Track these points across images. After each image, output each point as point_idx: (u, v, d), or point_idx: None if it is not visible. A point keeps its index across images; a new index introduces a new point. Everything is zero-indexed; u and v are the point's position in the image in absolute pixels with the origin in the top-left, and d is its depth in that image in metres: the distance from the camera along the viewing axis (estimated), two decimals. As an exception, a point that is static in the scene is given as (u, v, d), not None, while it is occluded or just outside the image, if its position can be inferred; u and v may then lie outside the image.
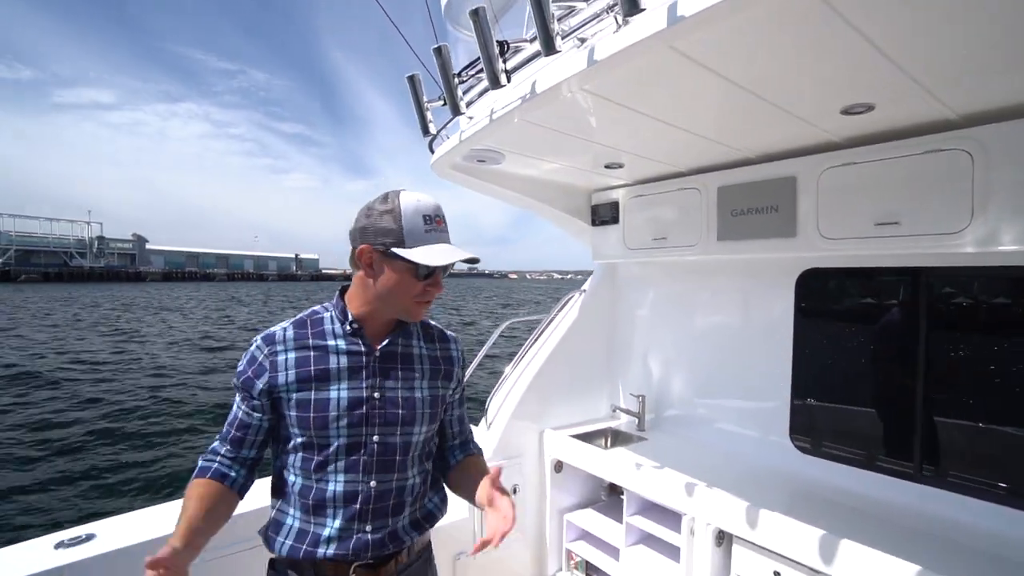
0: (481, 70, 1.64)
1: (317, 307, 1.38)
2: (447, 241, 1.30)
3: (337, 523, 1.29)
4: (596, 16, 1.37)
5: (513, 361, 3.24)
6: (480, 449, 1.63)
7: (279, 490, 1.35)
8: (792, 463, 2.50)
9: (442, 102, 1.90)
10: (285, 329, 1.31)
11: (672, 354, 3.12)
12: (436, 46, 1.74)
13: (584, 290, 3.40)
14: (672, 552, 2.37)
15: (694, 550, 2.25)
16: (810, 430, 2.48)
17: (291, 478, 1.31)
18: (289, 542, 1.30)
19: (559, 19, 1.38)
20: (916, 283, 2.14)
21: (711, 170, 2.54)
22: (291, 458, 1.30)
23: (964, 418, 2.05)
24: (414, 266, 1.26)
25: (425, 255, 1.23)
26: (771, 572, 2.01)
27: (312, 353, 1.29)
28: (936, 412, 2.10)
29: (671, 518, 2.38)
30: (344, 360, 1.30)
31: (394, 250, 1.24)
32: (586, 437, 2.99)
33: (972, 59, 1.36)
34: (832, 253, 2.16)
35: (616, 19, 1.30)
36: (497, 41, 1.54)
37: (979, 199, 1.74)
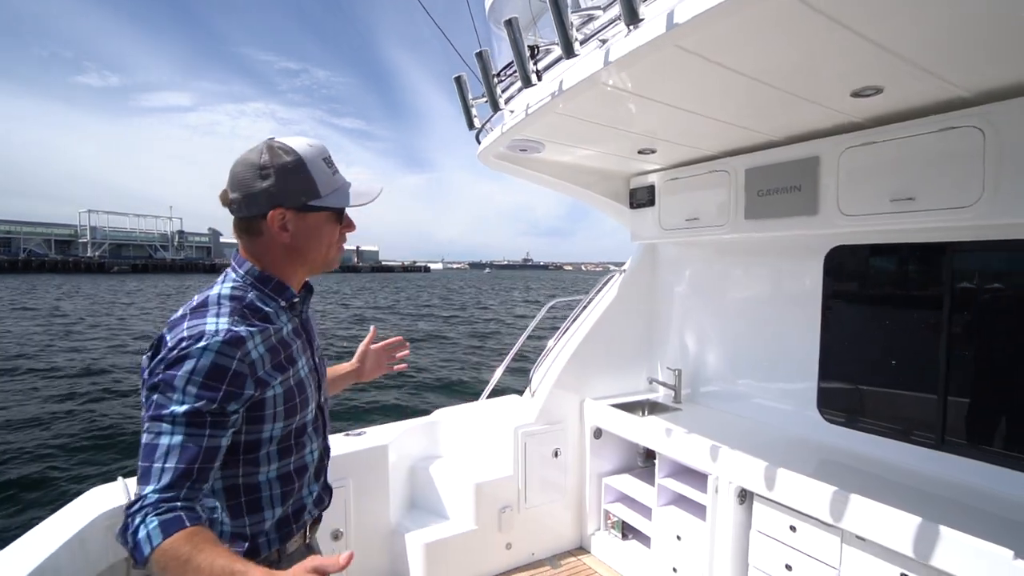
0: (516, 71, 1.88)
1: (221, 292, 1.16)
2: (351, 183, 1.26)
3: (314, 488, 1.32)
4: (612, 21, 1.58)
5: (556, 335, 3.48)
6: None
7: (248, 504, 1.17)
8: (819, 433, 2.62)
9: (485, 99, 2.16)
10: (235, 325, 1.10)
11: (707, 329, 3.27)
12: (478, 51, 1.99)
13: (624, 270, 3.58)
14: (699, 511, 2.56)
15: (718, 508, 2.43)
16: (837, 401, 2.59)
17: (263, 477, 1.18)
18: (273, 536, 1.23)
19: (579, 27, 1.60)
20: (941, 258, 2.22)
21: (739, 153, 2.67)
22: (263, 457, 1.17)
23: (988, 388, 2.13)
24: (335, 212, 1.22)
25: (352, 197, 1.22)
26: (788, 527, 2.17)
27: (275, 341, 1.18)
28: (960, 382, 2.18)
29: (699, 479, 2.56)
30: (295, 337, 1.25)
31: (313, 203, 1.17)
32: (624, 407, 3.19)
33: (972, 41, 1.45)
34: (852, 229, 2.27)
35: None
36: (528, 46, 1.77)
37: (990, 174, 1.83)
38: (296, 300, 1.25)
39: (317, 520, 1.38)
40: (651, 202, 3.20)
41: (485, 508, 2.95)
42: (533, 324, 3.82)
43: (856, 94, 1.85)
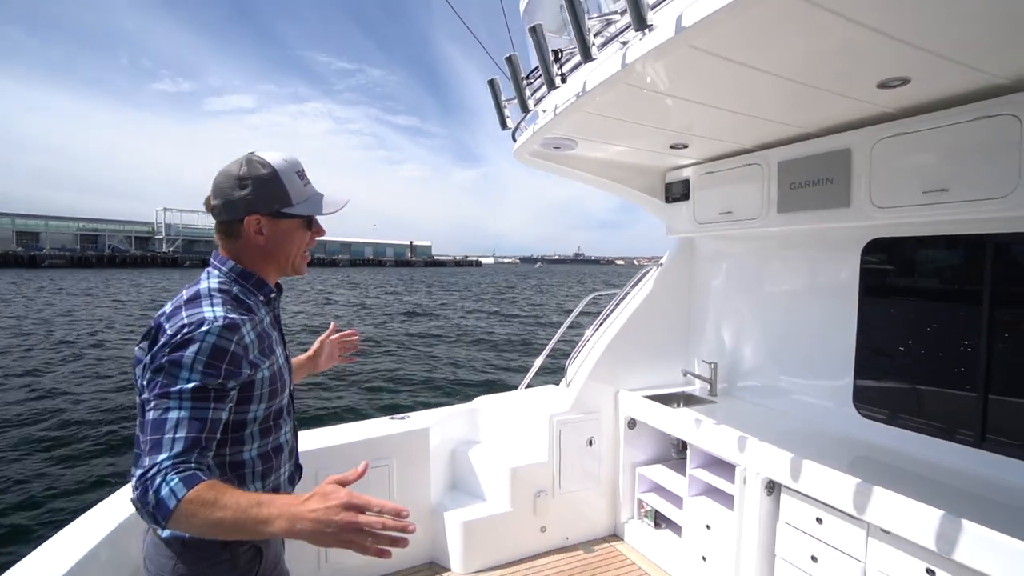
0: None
1: (210, 286, 1.28)
2: (318, 191, 1.39)
3: (288, 467, 1.43)
4: (629, 26, 1.66)
5: (592, 326, 3.56)
6: None
7: (235, 479, 1.28)
8: (854, 428, 2.59)
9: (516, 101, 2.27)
10: (230, 313, 1.22)
11: (742, 323, 3.27)
12: (507, 55, 2.11)
13: (661, 264, 3.62)
14: (729, 501, 2.59)
15: (745, 498, 2.46)
16: (873, 396, 2.55)
17: (247, 455, 1.29)
18: None
19: (599, 31, 1.68)
20: (980, 251, 2.17)
21: (772, 146, 2.67)
22: (247, 435, 1.28)
23: None
24: (305, 220, 1.36)
25: (322, 206, 1.36)
26: (814, 518, 2.19)
27: (260, 329, 1.30)
28: (1001, 378, 2.13)
29: (729, 470, 2.60)
30: (272, 328, 1.38)
31: (285, 211, 1.31)
32: (659, 399, 3.24)
33: (1009, 29, 1.42)
34: (885, 222, 2.25)
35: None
36: (554, 50, 1.87)
37: None
38: (273, 296, 1.39)
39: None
40: (686, 196, 3.22)
41: (520, 492, 3.08)
42: (572, 316, 3.91)
43: (883, 85, 1.84)
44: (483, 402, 3.53)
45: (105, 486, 5.66)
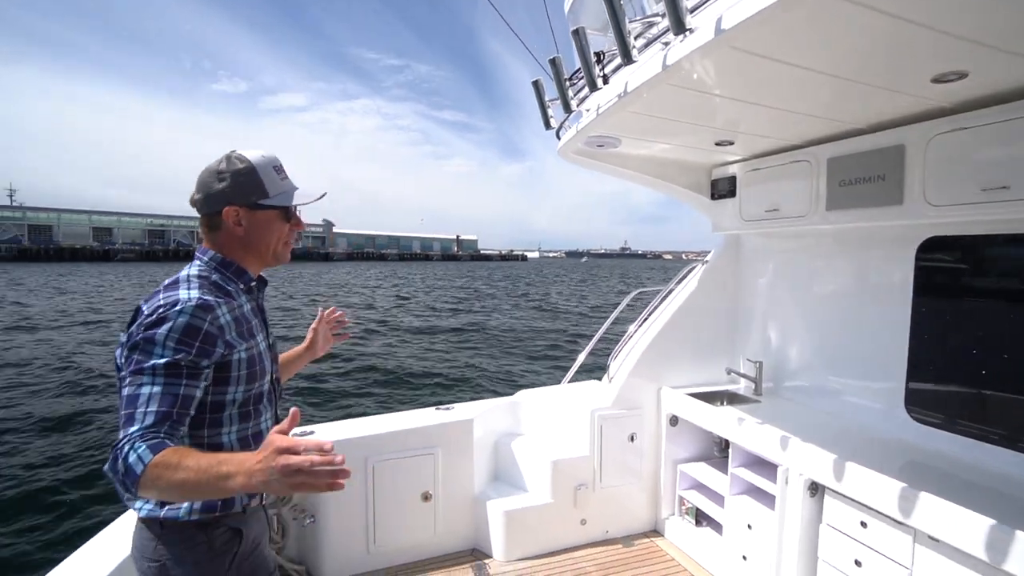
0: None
1: (190, 273, 1.35)
2: (295, 186, 1.47)
3: None
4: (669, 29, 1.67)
5: (636, 322, 3.57)
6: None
7: None
8: (904, 432, 2.51)
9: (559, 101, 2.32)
10: (205, 295, 1.28)
11: (790, 322, 3.20)
12: (551, 57, 2.15)
13: (707, 261, 3.58)
14: (771, 501, 2.57)
15: (787, 499, 2.43)
16: (927, 400, 2.47)
17: (226, 439, 1.33)
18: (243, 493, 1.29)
19: (640, 33, 1.71)
20: None
21: (821, 142, 2.61)
22: (226, 418, 1.32)
23: None
24: (283, 211, 1.42)
25: (295, 198, 1.43)
26: (859, 522, 2.15)
27: (239, 314, 1.36)
28: None
29: (772, 470, 2.57)
30: (252, 315, 1.43)
31: (261, 202, 1.38)
32: (702, 396, 3.23)
33: None
34: (939, 220, 2.17)
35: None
36: (595, 52, 1.90)
37: None
38: (253, 284, 1.45)
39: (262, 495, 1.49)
40: (732, 193, 3.18)
41: (561, 484, 3.14)
42: (616, 312, 3.93)
43: (937, 79, 1.78)
44: (525, 396, 3.60)
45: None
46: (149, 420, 1.11)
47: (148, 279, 40.52)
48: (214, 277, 1.37)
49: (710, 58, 1.60)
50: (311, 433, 2.83)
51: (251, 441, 1.38)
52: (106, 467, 1.07)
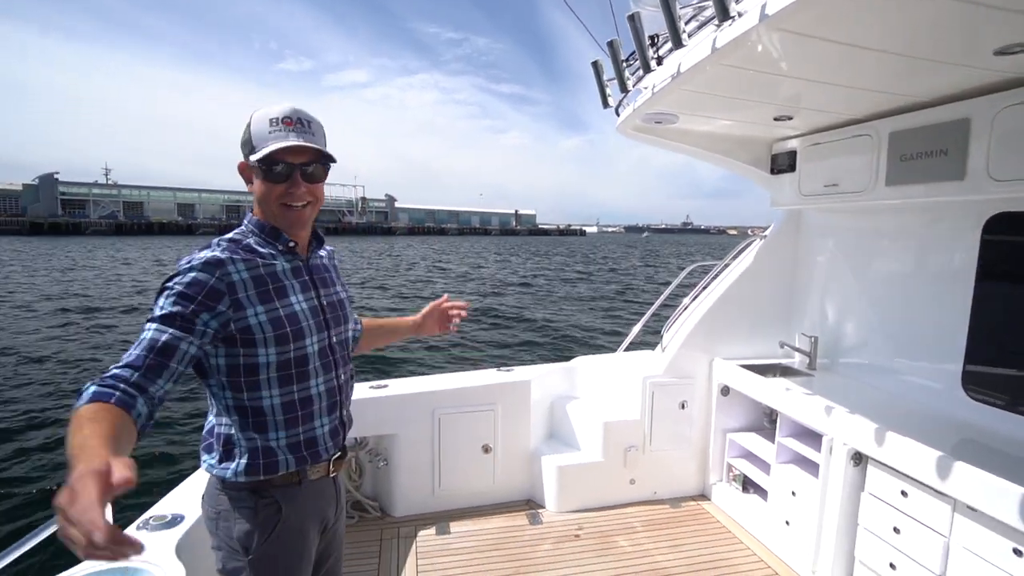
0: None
1: (225, 236, 1.34)
2: (295, 140, 1.27)
3: (325, 421, 1.41)
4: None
5: (691, 294, 3.66)
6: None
7: (255, 424, 1.31)
8: (962, 410, 2.50)
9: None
10: (221, 253, 1.26)
11: (847, 297, 3.21)
12: (609, 40, 2.27)
13: (764, 235, 3.61)
14: (815, 470, 2.65)
15: (830, 467, 2.51)
16: (988, 380, 2.45)
17: (267, 402, 1.31)
18: (289, 457, 1.34)
19: (692, 17, 1.80)
20: None
21: (884, 116, 2.59)
22: (263, 381, 1.30)
23: None
24: (266, 168, 1.28)
25: (260, 152, 1.26)
26: (899, 491, 2.21)
27: (263, 272, 1.30)
28: None
29: (817, 440, 2.65)
30: (290, 275, 1.36)
31: (251, 157, 1.28)
32: (754, 368, 3.29)
33: None
34: (1008, 195, 2.14)
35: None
36: (649, 36, 2.01)
37: None
38: (293, 245, 1.37)
39: (341, 456, 1.49)
40: (791, 167, 3.19)
41: (612, 444, 3.33)
42: (673, 285, 4.03)
43: (1001, 52, 1.77)
44: (581, 362, 3.79)
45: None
46: (125, 360, 1.11)
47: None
48: (249, 240, 1.34)
49: (761, 42, 1.67)
50: (385, 387, 3.16)
51: (297, 407, 1.34)
52: None
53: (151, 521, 1.82)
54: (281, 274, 1.34)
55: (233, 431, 1.31)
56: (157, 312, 1.17)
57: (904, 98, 2.35)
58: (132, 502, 1.90)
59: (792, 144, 3.19)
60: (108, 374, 1.08)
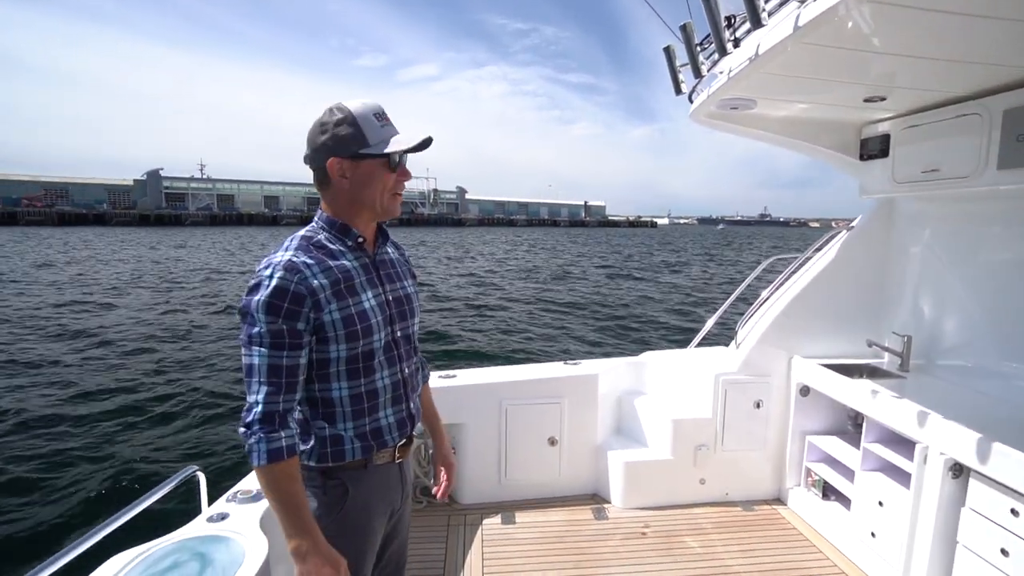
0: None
1: (296, 234, 1.39)
2: (398, 132, 1.38)
3: (390, 412, 1.47)
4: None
5: (769, 288, 3.48)
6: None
7: (324, 415, 1.39)
8: None
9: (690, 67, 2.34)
10: (296, 256, 1.31)
11: (947, 294, 2.93)
12: (682, 24, 2.18)
13: (852, 227, 3.37)
14: (906, 480, 2.44)
15: (924, 479, 2.31)
16: None
17: (336, 394, 1.37)
18: (356, 445, 1.41)
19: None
20: None
21: (997, 91, 2.33)
22: (332, 374, 1.36)
23: None
24: (385, 159, 1.35)
25: (393, 145, 1.34)
26: (1008, 509, 2.01)
27: (336, 272, 1.35)
28: None
29: (909, 448, 2.45)
30: (360, 272, 1.40)
31: (362, 152, 1.33)
32: (838, 368, 3.08)
33: None
34: None
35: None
36: (725, 16, 1.91)
37: None
38: (361, 240, 1.42)
39: (407, 443, 1.55)
40: (884, 153, 2.94)
41: (681, 443, 3.24)
42: (749, 279, 3.86)
43: None
44: (650, 357, 3.71)
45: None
46: (263, 393, 1.24)
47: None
48: (320, 237, 1.39)
49: (851, 15, 1.55)
50: (454, 376, 3.23)
51: (364, 399, 1.40)
52: (240, 427, 1.25)
53: (238, 495, 1.97)
54: (352, 271, 1.39)
55: (305, 419, 1.39)
56: (258, 328, 1.25)
57: (1021, 70, 2.10)
58: (227, 484, 2.07)
59: (885, 127, 2.94)
60: (260, 416, 1.23)
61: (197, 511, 1.91)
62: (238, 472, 2.23)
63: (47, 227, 66.73)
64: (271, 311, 1.24)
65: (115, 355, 9.33)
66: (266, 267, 1.28)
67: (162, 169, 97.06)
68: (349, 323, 1.34)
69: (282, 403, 1.25)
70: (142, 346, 9.92)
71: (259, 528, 1.74)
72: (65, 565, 1.44)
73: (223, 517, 1.81)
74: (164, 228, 72.93)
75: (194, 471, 1.99)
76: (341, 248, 1.40)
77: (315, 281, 1.29)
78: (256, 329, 1.25)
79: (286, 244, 1.35)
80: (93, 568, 1.47)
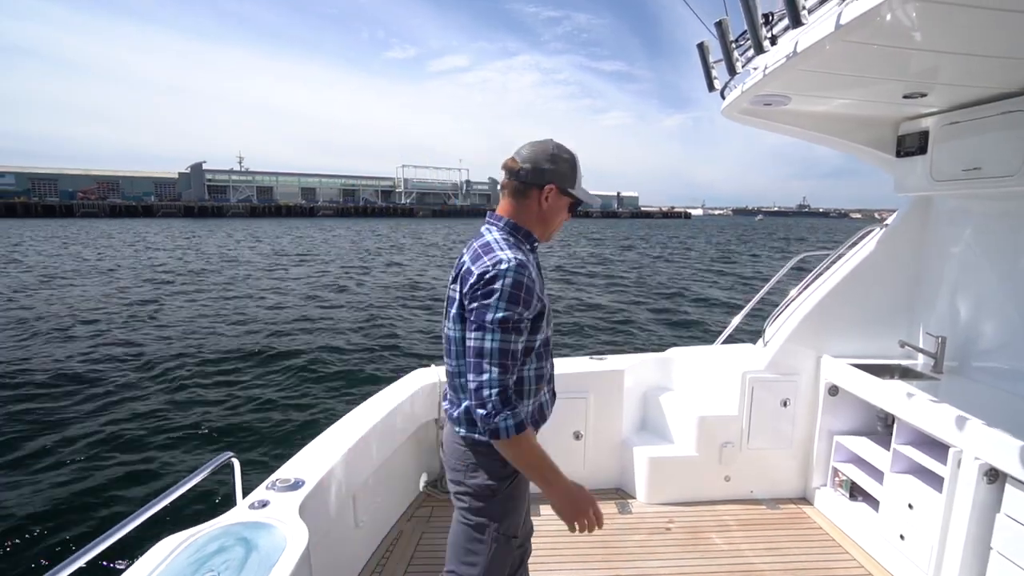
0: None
1: (496, 237, 1.57)
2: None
3: (549, 391, 1.74)
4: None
5: (799, 286, 3.43)
6: None
7: (518, 393, 1.56)
8: None
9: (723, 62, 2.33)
10: (517, 254, 1.50)
11: (986, 295, 2.85)
12: (717, 20, 2.17)
13: (886, 224, 3.30)
14: (938, 483, 2.40)
15: (958, 483, 2.28)
16: None
17: (526, 373, 1.59)
18: (530, 420, 1.60)
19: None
20: None
21: None
22: (529, 357, 1.58)
23: None
24: (576, 202, 1.66)
25: (588, 196, 1.68)
26: None
27: (536, 271, 1.59)
28: None
29: (942, 451, 2.41)
30: (539, 274, 1.64)
31: (571, 190, 1.62)
32: (869, 369, 3.04)
33: None
34: None
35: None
36: (764, 14, 1.90)
37: None
38: (537, 244, 1.66)
39: (543, 420, 1.76)
40: (922, 150, 2.86)
41: (706, 439, 3.25)
42: (778, 276, 3.81)
43: None
44: (676, 353, 3.71)
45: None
46: (494, 374, 1.42)
47: (353, 231, 48.34)
48: (513, 238, 1.59)
49: (893, 13, 1.53)
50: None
51: (539, 378, 1.63)
52: (474, 413, 1.45)
53: (277, 483, 2.04)
54: (537, 272, 1.60)
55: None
56: (496, 314, 1.42)
57: None
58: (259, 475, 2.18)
59: (924, 124, 2.86)
60: (496, 392, 1.42)
61: (231, 497, 1.96)
62: (278, 462, 2.32)
63: (101, 218, 69.67)
64: (511, 302, 1.43)
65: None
66: (497, 263, 1.45)
67: (205, 162, 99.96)
68: (548, 313, 1.61)
69: (510, 389, 1.45)
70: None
71: (298, 516, 1.81)
72: (110, 547, 1.50)
73: (264, 504, 1.87)
74: (206, 219, 75.15)
75: (229, 457, 2.05)
76: (525, 252, 1.59)
77: (534, 275, 1.52)
78: (493, 316, 1.42)
79: (498, 246, 1.52)
80: (137, 549, 1.56)
